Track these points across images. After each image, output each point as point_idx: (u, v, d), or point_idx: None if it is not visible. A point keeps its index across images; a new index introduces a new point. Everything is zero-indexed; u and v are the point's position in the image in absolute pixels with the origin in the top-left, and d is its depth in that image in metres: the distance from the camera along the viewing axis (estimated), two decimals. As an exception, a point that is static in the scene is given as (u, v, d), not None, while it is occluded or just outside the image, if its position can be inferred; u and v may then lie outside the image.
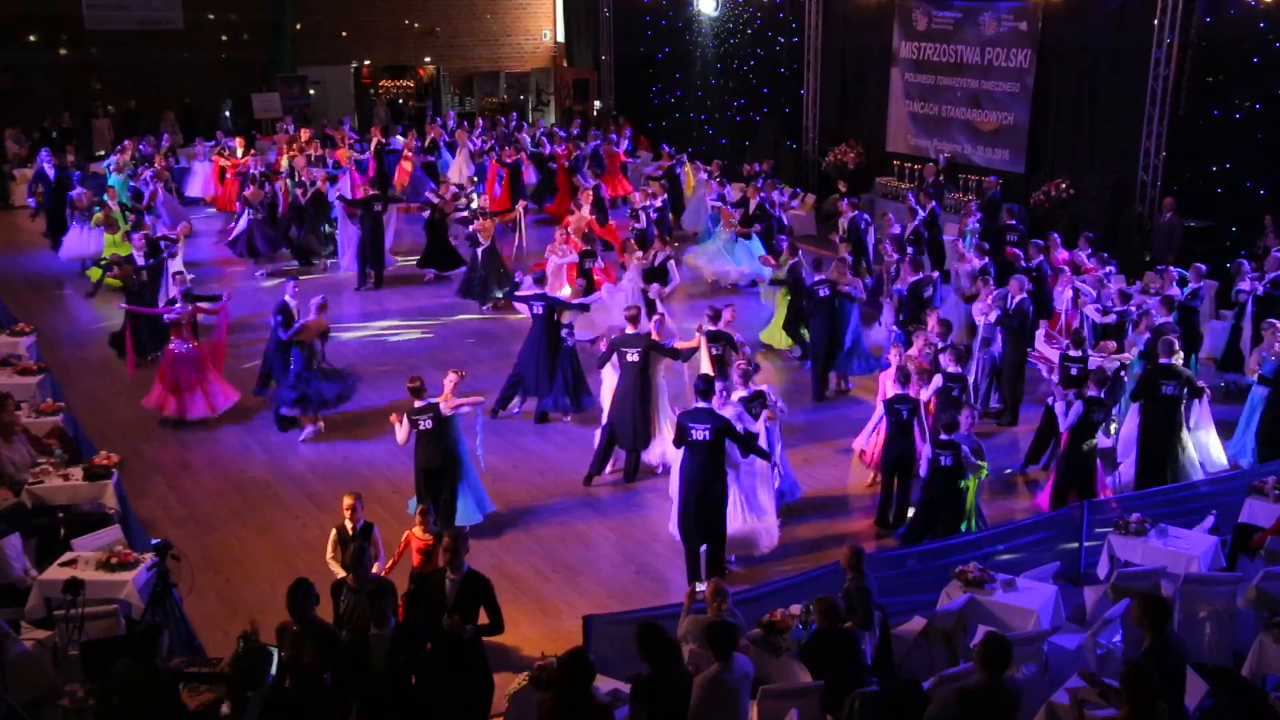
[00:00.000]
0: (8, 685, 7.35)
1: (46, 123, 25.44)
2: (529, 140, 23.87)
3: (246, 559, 10.13)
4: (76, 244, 18.87)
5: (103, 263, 16.64)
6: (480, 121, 26.35)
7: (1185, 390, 10.82)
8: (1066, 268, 14.28)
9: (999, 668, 6.25)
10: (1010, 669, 6.47)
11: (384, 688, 6.77)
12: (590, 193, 19.10)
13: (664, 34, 27.32)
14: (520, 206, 19.60)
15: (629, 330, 11.65)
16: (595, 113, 29.32)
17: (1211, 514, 9.69)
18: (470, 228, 17.14)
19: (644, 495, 11.40)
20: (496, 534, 10.51)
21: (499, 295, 16.67)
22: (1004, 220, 16.83)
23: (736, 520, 9.73)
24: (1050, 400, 10.94)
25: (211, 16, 27.38)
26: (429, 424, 10.05)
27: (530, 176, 22.50)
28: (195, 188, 23.37)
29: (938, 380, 11.08)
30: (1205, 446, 11.20)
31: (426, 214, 18.50)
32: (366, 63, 30.08)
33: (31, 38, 26.00)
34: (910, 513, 10.35)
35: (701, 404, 9.49)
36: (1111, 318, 12.76)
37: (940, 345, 11.49)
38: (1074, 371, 11.37)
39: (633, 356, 11.37)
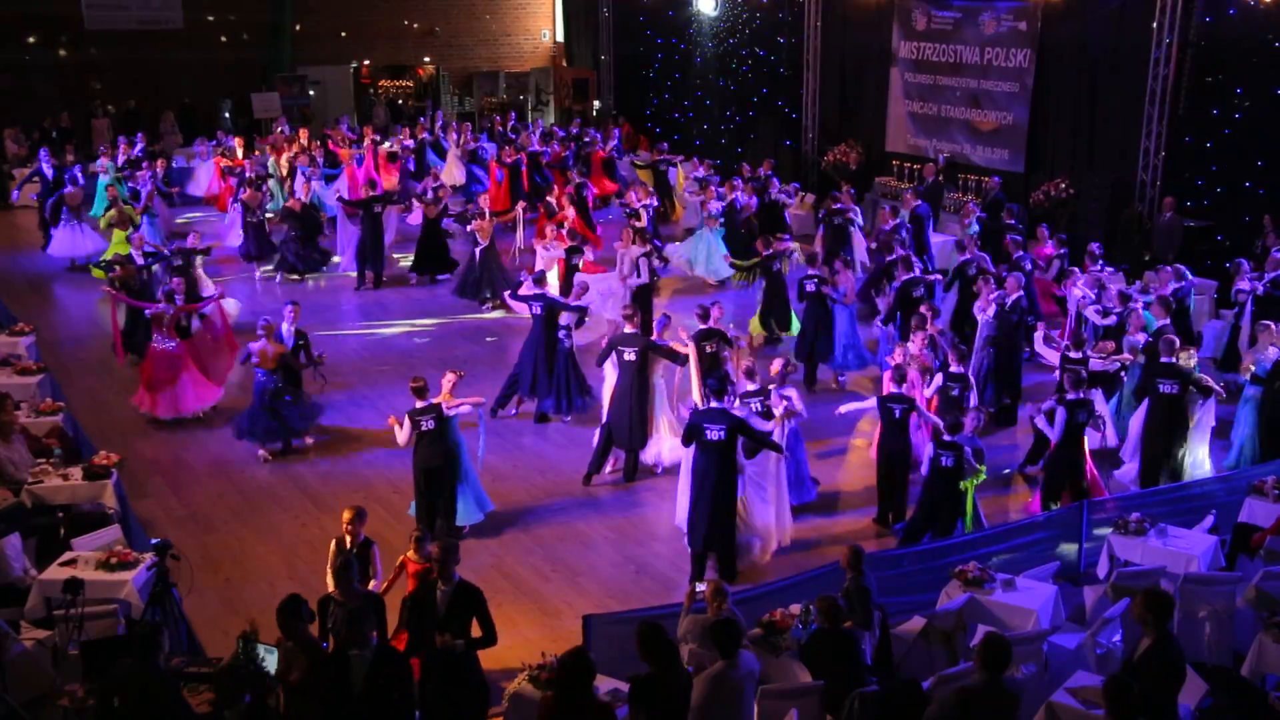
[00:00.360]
0: (8, 685, 7.35)
1: (46, 123, 25.43)
2: (536, 139, 23.91)
3: (246, 559, 10.13)
4: (65, 243, 18.93)
5: (103, 263, 16.63)
6: (463, 124, 26.22)
7: (1188, 389, 10.84)
8: (1076, 269, 14.34)
9: (999, 668, 6.25)
10: (1010, 669, 6.47)
11: (363, 707, 6.58)
12: (572, 191, 19.25)
13: (664, 34, 27.32)
14: (520, 206, 19.60)
15: (626, 329, 11.66)
16: (595, 112, 29.33)
17: (1211, 514, 9.70)
18: (469, 227, 17.18)
19: (644, 495, 11.40)
20: (496, 534, 10.51)
21: (488, 295, 16.80)
22: (1004, 220, 16.83)
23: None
24: (1033, 417, 10.98)
25: (211, 18, 27.39)
26: (432, 424, 10.04)
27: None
28: (197, 187, 23.40)
29: (938, 379, 11.09)
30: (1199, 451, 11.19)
31: (412, 214, 18.53)
32: (366, 63, 30.08)
33: (31, 38, 25.99)
34: (909, 512, 10.36)
35: (716, 404, 9.51)
36: (1111, 319, 12.77)
37: (947, 343, 11.54)
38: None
39: (630, 355, 11.38)
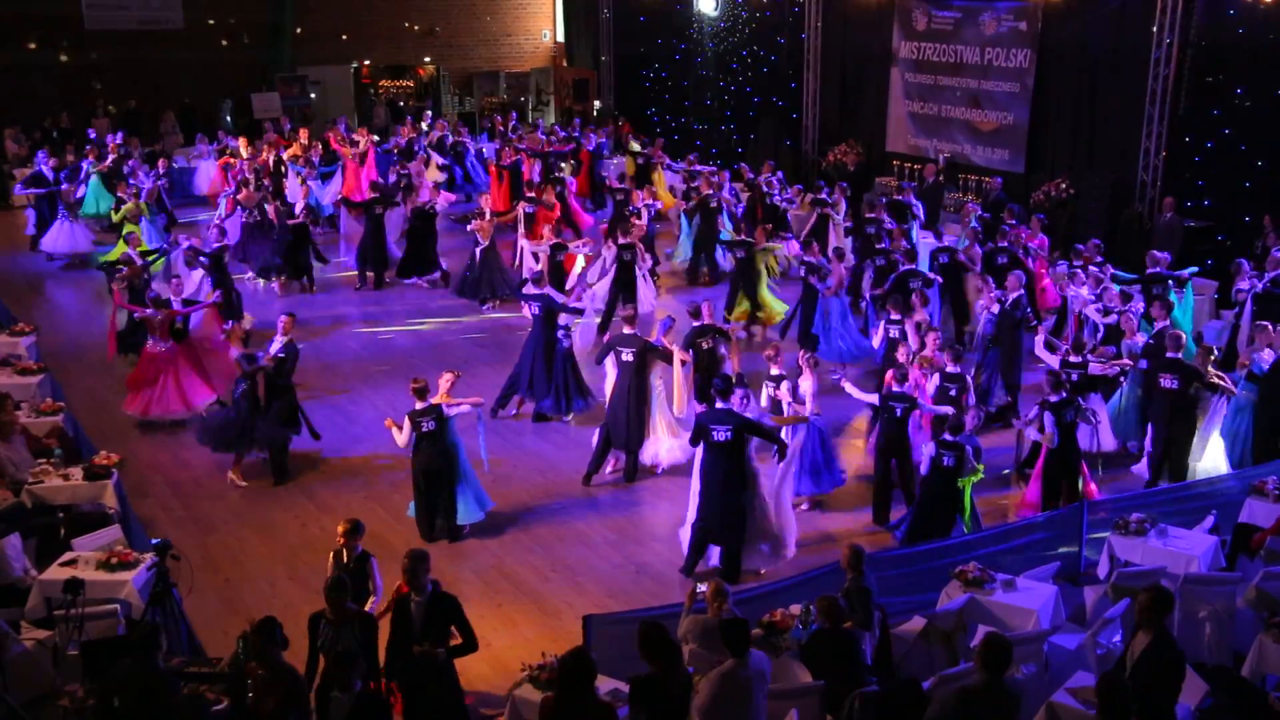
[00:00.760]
0: (8, 685, 7.35)
1: (46, 123, 25.42)
2: (544, 138, 23.92)
3: (246, 559, 10.12)
4: (62, 239, 18.94)
5: (105, 262, 16.63)
6: (437, 120, 26.18)
7: (1192, 385, 10.82)
8: (1081, 270, 14.37)
9: (999, 668, 6.25)
10: (1010, 669, 6.47)
11: None
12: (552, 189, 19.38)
13: (664, 34, 27.31)
14: (520, 206, 19.59)
15: (625, 330, 11.66)
16: (595, 112, 29.33)
17: (1211, 514, 9.70)
18: (469, 227, 17.18)
19: (644, 495, 11.41)
20: (496, 534, 10.51)
21: (488, 295, 16.83)
22: (1005, 220, 16.83)
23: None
24: (1022, 430, 10.97)
25: (212, 22, 27.37)
26: (432, 425, 10.05)
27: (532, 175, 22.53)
28: (200, 186, 23.41)
29: (935, 379, 11.09)
30: (1209, 449, 11.19)
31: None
32: (366, 63, 30.06)
33: (31, 38, 25.98)
34: (908, 510, 10.36)
35: (721, 404, 9.50)
36: (1112, 318, 12.78)
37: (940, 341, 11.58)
38: (1074, 378, 11.36)
39: (628, 356, 11.40)
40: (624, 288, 15.56)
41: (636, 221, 16.94)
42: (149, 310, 12.87)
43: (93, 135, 23.12)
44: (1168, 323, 12.28)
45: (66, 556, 8.79)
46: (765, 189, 19.80)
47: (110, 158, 20.95)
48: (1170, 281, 13.74)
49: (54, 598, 8.07)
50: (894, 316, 12.40)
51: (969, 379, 11.40)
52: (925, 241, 16.96)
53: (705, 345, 11.93)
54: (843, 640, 7.23)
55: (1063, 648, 8.08)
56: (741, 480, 9.54)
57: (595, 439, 11.65)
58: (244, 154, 21.79)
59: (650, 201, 18.51)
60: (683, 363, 11.57)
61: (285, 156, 21.79)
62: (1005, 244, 15.14)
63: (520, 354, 13.14)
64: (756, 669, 6.54)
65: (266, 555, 10.18)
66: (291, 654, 6.75)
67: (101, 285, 17.04)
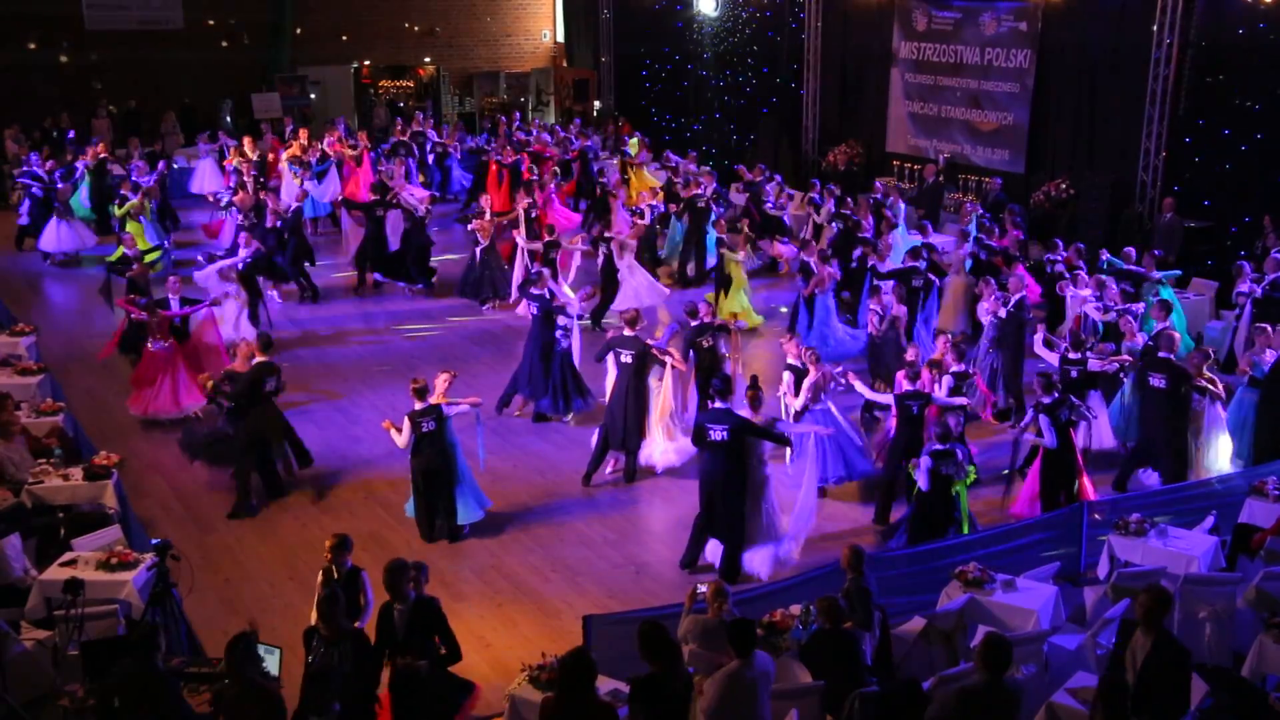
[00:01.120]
0: (8, 685, 7.34)
1: (46, 123, 25.42)
2: (549, 138, 23.90)
3: (246, 559, 10.12)
4: (53, 239, 18.97)
5: (110, 263, 16.61)
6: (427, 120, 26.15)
7: (1181, 386, 10.81)
8: (1081, 270, 14.38)
9: (999, 668, 6.25)
10: (1010, 669, 6.47)
11: None
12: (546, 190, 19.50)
13: (664, 34, 27.30)
14: (521, 206, 19.57)
15: (626, 332, 11.66)
16: (595, 113, 29.33)
17: (1211, 514, 9.69)
18: (469, 227, 17.17)
19: (644, 495, 11.40)
20: (496, 534, 10.51)
21: (488, 295, 16.82)
22: (1006, 221, 16.84)
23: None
24: (1017, 438, 10.97)
25: (212, 22, 27.37)
26: (432, 425, 10.05)
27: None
28: (198, 185, 23.38)
29: (948, 381, 11.07)
30: (1216, 451, 11.16)
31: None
32: (366, 63, 30.06)
33: (31, 38, 25.98)
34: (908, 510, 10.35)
35: (720, 404, 9.50)
36: (1112, 315, 12.78)
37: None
38: (1074, 374, 11.36)
39: (626, 358, 11.40)
40: (607, 281, 15.82)
41: (639, 221, 16.97)
42: (143, 315, 12.86)
43: (71, 136, 23.19)
44: (1168, 323, 12.29)
45: (66, 556, 8.78)
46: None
47: (85, 161, 20.91)
48: (1156, 282, 13.77)
49: (54, 598, 8.07)
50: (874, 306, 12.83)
51: (973, 373, 11.44)
52: (911, 239, 17.03)
53: (705, 344, 11.94)
54: (843, 640, 7.23)
55: (1063, 648, 8.07)
56: (741, 481, 9.51)
57: (594, 439, 11.65)
58: (250, 154, 21.79)
59: (654, 203, 18.53)
60: (680, 371, 11.58)
61: (284, 157, 21.78)
62: (993, 243, 15.27)
63: (522, 354, 13.15)
64: (762, 670, 6.54)
65: (266, 555, 10.17)
66: (290, 656, 6.72)
67: (102, 285, 16.99)
